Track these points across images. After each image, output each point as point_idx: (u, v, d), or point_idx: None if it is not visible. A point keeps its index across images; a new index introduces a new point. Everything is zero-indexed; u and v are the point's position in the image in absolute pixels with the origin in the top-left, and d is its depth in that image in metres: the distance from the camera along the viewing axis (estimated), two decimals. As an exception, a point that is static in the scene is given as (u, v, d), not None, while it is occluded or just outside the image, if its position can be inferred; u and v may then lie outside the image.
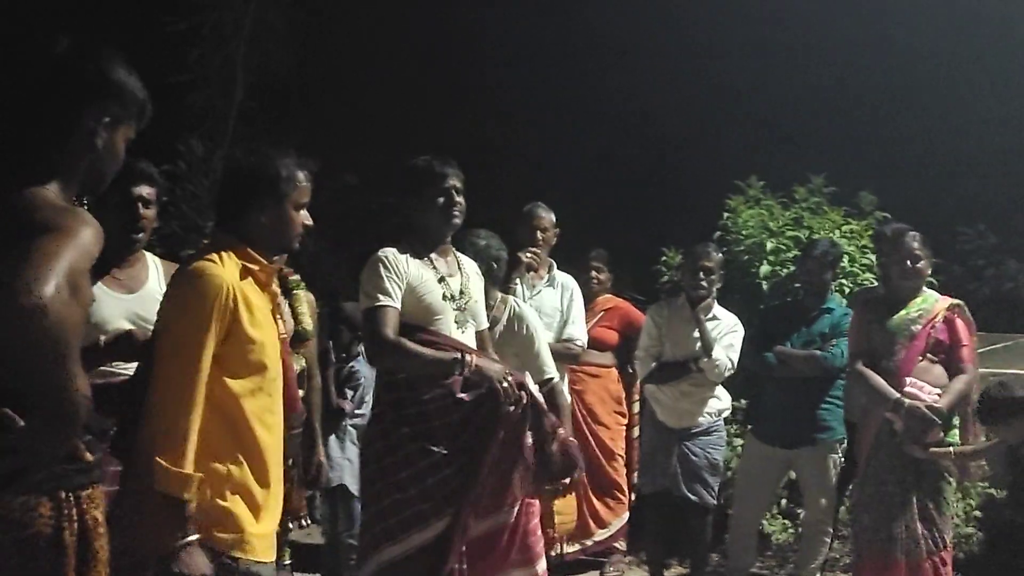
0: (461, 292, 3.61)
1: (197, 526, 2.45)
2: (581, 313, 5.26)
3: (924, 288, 4.66)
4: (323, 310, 6.73)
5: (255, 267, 2.62)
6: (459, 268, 3.69)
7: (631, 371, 5.83)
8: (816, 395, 5.05)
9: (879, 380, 4.47)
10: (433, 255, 3.60)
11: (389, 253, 3.49)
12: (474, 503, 3.39)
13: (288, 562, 5.06)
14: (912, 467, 4.44)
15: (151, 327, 3.21)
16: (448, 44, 8.60)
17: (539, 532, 3.70)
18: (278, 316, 2.87)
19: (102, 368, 3.06)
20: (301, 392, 3.92)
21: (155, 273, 3.37)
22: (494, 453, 3.39)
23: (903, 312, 4.55)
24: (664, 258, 6.74)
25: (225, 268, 2.55)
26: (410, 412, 3.42)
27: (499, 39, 9.02)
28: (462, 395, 3.39)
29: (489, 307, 4.07)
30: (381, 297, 3.41)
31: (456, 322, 3.54)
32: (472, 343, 3.60)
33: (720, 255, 5.20)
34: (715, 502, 5.10)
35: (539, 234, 5.17)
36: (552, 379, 4.34)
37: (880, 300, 4.70)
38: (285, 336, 3.02)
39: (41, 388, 1.81)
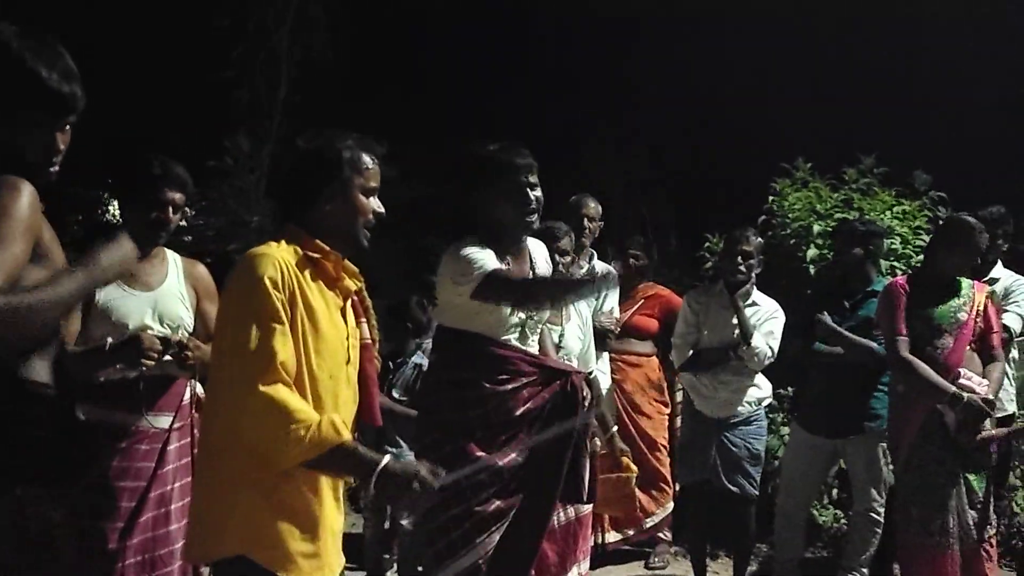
0: None
1: (242, 542, 2.33)
2: (615, 298, 5.27)
3: None
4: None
5: (318, 255, 2.44)
6: (531, 267, 3.39)
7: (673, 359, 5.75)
8: (864, 383, 4.90)
9: (932, 372, 4.32)
10: (507, 258, 3.29)
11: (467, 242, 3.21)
12: (550, 500, 3.28)
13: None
14: (959, 457, 4.34)
15: (171, 323, 3.26)
16: (491, 32, 8.54)
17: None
18: (362, 319, 2.70)
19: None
20: None
21: (175, 270, 3.40)
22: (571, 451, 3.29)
23: (951, 300, 4.42)
24: (708, 244, 6.61)
25: (281, 252, 2.38)
26: (474, 420, 3.21)
27: (544, 24, 8.96)
28: (528, 406, 3.23)
29: None
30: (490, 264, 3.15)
31: (522, 331, 3.31)
32: (536, 347, 3.42)
33: (759, 239, 5.05)
34: (756, 492, 4.97)
35: (586, 223, 5.13)
36: (593, 373, 4.36)
37: (922, 284, 4.52)
38: (369, 341, 2.76)
39: None
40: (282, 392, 2.25)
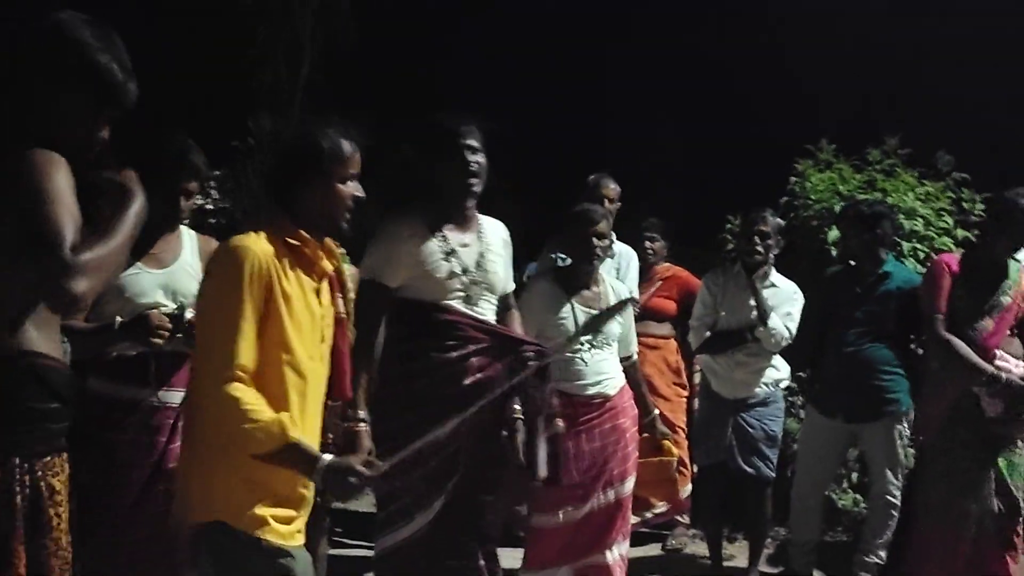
0: (478, 264, 3.41)
1: (218, 509, 2.42)
2: (635, 279, 5.27)
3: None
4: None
5: (296, 242, 2.51)
6: (479, 237, 3.47)
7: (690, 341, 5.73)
8: (881, 365, 4.85)
9: (971, 352, 4.25)
10: (449, 226, 3.37)
11: (390, 230, 3.35)
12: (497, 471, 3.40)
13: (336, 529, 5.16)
14: (989, 440, 4.27)
15: (184, 300, 3.28)
16: (512, 13, 8.51)
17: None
18: (337, 294, 2.75)
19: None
20: None
21: (189, 246, 3.41)
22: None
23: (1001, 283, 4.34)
24: (729, 226, 6.57)
25: (260, 243, 2.46)
26: (421, 392, 3.30)
27: (561, 7, 8.91)
28: (478, 376, 3.30)
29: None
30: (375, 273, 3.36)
31: (467, 296, 3.38)
32: (490, 316, 3.46)
33: (777, 220, 5.01)
34: (773, 474, 4.95)
35: (606, 204, 5.12)
36: (633, 356, 4.40)
37: (972, 265, 4.44)
38: (344, 315, 2.86)
39: None
40: (238, 391, 2.35)
